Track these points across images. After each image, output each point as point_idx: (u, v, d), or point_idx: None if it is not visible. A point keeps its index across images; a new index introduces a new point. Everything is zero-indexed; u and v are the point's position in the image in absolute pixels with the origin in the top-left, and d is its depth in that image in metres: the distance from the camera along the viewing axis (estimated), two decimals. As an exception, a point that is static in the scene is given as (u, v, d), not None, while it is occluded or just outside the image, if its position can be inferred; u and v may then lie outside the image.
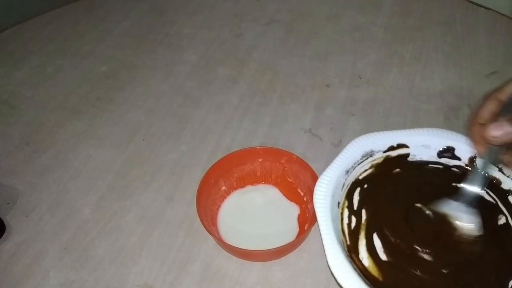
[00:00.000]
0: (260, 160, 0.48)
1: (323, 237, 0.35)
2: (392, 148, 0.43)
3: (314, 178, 0.42)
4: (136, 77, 0.65)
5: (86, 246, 0.45)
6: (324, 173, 0.39)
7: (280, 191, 0.48)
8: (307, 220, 0.44)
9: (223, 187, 0.47)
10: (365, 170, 0.43)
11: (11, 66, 0.67)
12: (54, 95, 0.62)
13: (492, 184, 0.42)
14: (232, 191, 0.48)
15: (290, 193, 0.47)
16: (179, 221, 0.47)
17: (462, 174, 0.43)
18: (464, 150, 0.43)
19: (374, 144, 0.42)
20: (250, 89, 0.62)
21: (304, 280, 0.42)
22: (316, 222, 0.38)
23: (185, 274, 0.43)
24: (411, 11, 0.74)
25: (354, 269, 0.34)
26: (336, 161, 0.40)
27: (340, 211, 0.40)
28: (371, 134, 0.43)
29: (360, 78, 0.63)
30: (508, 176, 0.41)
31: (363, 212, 0.41)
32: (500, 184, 0.42)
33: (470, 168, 0.43)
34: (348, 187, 0.41)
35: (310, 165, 0.45)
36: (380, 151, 0.43)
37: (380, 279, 0.36)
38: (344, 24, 0.73)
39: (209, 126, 0.57)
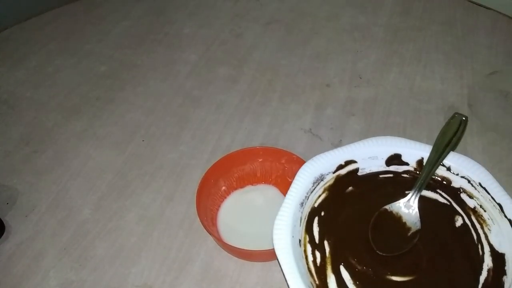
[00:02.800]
0: (260, 160, 0.48)
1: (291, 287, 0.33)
2: (341, 167, 0.42)
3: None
4: (136, 77, 0.65)
5: (85, 246, 0.45)
6: (279, 213, 0.38)
7: (280, 191, 0.48)
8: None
9: (223, 187, 0.47)
10: (319, 196, 0.41)
11: (11, 66, 0.67)
12: (53, 95, 0.62)
13: (442, 185, 0.42)
14: (232, 191, 0.48)
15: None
16: (179, 221, 0.47)
17: (412, 178, 0.43)
18: (410, 154, 0.43)
19: (322, 167, 0.41)
20: (250, 89, 0.62)
21: (304, 280, 0.42)
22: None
23: (185, 275, 0.43)
24: (412, 11, 0.74)
25: None
26: (288, 197, 0.39)
27: (303, 248, 0.38)
28: (316, 157, 0.41)
29: (360, 78, 0.63)
30: (456, 174, 0.41)
31: (326, 244, 0.40)
32: (451, 183, 0.42)
33: (419, 172, 0.43)
34: (306, 219, 0.40)
35: (310, 165, 0.45)
36: (329, 172, 0.42)
37: None
38: (344, 23, 0.73)
39: (209, 126, 0.57)
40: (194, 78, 0.64)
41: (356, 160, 0.43)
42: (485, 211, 0.39)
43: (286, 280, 0.33)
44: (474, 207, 0.40)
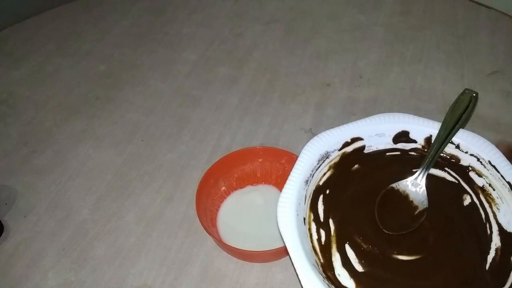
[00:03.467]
0: (260, 160, 0.48)
1: (295, 265, 0.33)
2: (346, 144, 0.41)
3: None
4: (135, 76, 0.65)
5: (84, 247, 0.45)
6: (283, 191, 0.37)
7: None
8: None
9: (223, 188, 0.47)
10: (324, 174, 0.41)
11: (10, 66, 0.67)
12: (52, 94, 0.62)
13: (450, 163, 0.41)
14: (232, 191, 0.48)
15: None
16: (179, 222, 0.47)
17: (420, 156, 0.42)
18: (418, 131, 0.41)
19: (328, 144, 0.40)
20: (250, 89, 0.62)
21: (304, 281, 0.42)
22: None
23: (184, 275, 0.42)
24: (412, 10, 0.74)
25: None
26: (293, 174, 0.38)
27: (308, 226, 0.38)
28: (322, 134, 0.41)
29: (360, 77, 0.62)
30: (466, 152, 0.40)
31: (331, 222, 0.39)
32: (459, 162, 0.41)
33: (427, 149, 0.42)
34: (311, 197, 0.39)
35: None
36: (335, 150, 0.41)
37: None
38: (344, 23, 0.72)
39: (209, 126, 0.57)
40: (194, 78, 0.64)
41: (363, 137, 0.42)
42: (494, 189, 0.38)
43: (290, 258, 0.33)
44: (483, 186, 0.39)
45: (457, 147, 0.41)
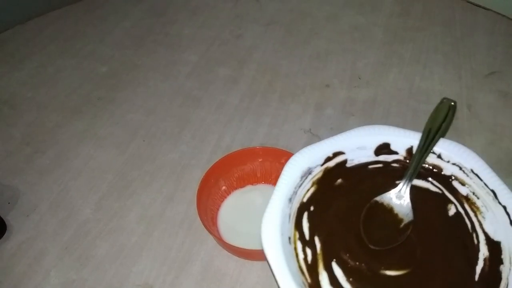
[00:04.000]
0: (260, 160, 0.48)
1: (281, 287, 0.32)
2: (329, 159, 0.41)
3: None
4: (136, 77, 0.65)
5: (86, 246, 0.45)
6: (266, 211, 0.36)
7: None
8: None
9: (223, 187, 0.48)
10: (307, 190, 0.40)
11: (12, 67, 0.68)
12: (54, 95, 0.63)
13: (433, 173, 0.41)
14: (232, 191, 0.48)
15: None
16: (179, 221, 0.47)
17: (402, 168, 0.41)
18: (399, 142, 0.41)
19: (310, 160, 0.40)
20: (250, 89, 0.62)
21: (304, 279, 0.42)
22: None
23: (185, 274, 0.43)
24: (411, 12, 0.74)
25: None
26: (276, 193, 0.37)
27: (293, 246, 0.37)
28: (303, 150, 0.40)
29: (359, 78, 0.63)
30: (448, 161, 0.40)
31: (316, 240, 0.38)
32: (442, 171, 0.41)
33: (408, 160, 0.41)
34: (295, 215, 0.38)
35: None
36: (317, 165, 0.40)
37: None
38: (344, 24, 0.73)
39: (209, 126, 0.57)
40: (195, 79, 0.64)
41: (344, 151, 0.41)
42: (478, 198, 0.38)
43: (276, 281, 0.32)
44: (467, 195, 0.39)
45: (439, 156, 0.40)
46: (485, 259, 0.36)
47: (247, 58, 0.67)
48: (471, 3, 0.75)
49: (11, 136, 0.57)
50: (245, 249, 0.41)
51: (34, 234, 0.47)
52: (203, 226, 0.42)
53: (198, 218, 0.42)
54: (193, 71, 0.65)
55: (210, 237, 0.45)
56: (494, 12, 0.73)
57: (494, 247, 0.36)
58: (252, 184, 0.49)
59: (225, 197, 0.48)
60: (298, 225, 0.38)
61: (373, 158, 0.42)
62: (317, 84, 0.63)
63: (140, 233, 0.46)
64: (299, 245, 0.38)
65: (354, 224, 0.39)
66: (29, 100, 0.62)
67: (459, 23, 0.71)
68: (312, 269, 0.37)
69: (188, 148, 0.55)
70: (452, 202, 0.40)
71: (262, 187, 0.49)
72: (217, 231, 0.45)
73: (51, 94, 0.63)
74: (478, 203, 0.38)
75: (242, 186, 0.49)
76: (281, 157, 0.47)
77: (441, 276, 0.36)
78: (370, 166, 0.42)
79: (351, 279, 0.36)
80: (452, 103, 0.41)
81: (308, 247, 0.38)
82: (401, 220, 0.38)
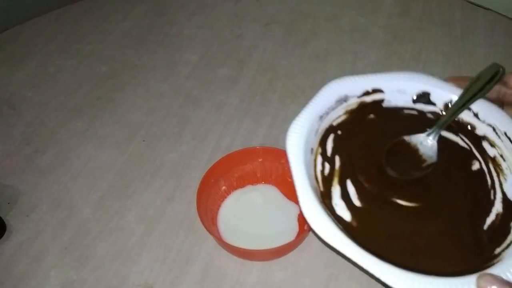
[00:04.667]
0: (260, 160, 0.48)
1: (296, 183, 0.34)
2: (367, 93, 0.41)
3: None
4: (136, 77, 0.65)
5: (86, 246, 0.45)
6: (297, 118, 0.38)
7: (280, 191, 0.48)
8: (307, 219, 0.44)
9: (223, 187, 0.48)
10: (339, 116, 0.41)
11: (12, 67, 0.68)
12: (55, 95, 0.63)
13: (466, 130, 0.41)
14: (232, 191, 0.48)
15: (290, 193, 0.47)
16: (179, 221, 0.47)
17: (436, 119, 0.41)
18: (440, 95, 0.41)
19: (348, 89, 0.40)
20: (250, 90, 0.62)
21: (304, 279, 0.42)
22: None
23: (185, 274, 0.43)
24: (411, 12, 0.74)
25: (328, 214, 0.33)
26: (309, 106, 0.38)
27: (314, 157, 0.38)
28: (345, 78, 0.41)
29: (359, 78, 0.63)
30: (483, 122, 0.40)
31: (337, 158, 0.39)
32: (475, 130, 0.41)
33: (445, 114, 0.42)
34: (322, 133, 0.40)
35: (310, 165, 0.45)
36: (354, 96, 0.41)
37: (354, 224, 0.35)
38: (343, 24, 0.73)
39: (209, 126, 0.57)
40: (195, 79, 0.64)
41: (384, 90, 0.42)
42: (504, 160, 0.38)
43: (292, 175, 0.33)
44: (494, 156, 0.39)
45: (475, 115, 0.40)
46: (497, 214, 0.36)
47: (247, 58, 0.67)
48: (470, 2, 0.75)
49: (11, 136, 0.57)
50: (245, 249, 0.41)
51: (34, 234, 0.47)
52: (203, 226, 0.42)
53: (198, 218, 0.42)
54: (193, 71, 0.66)
55: (210, 237, 0.45)
56: (494, 11, 0.73)
57: (509, 206, 0.37)
58: (252, 184, 0.49)
59: (225, 197, 0.48)
60: (323, 143, 0.39)
61: (410, 104, 0.42)
62: (317, 84, 0.62)
63: (140, 233, 0.46)
64: (319, 159, 0.39)
65: (377, 154, 0.39)
66: (29, 100, 0.62)
67: (459, 23, 0.71)
68: (327, 181, 0.38)
69: (188, 148, 0.55)
70: (477, 159, 0.40)
71: (262, 187, 0.49)
72: (217, 231, 0.45)
73: (51, 94, 0.63)
74: (503, 165, 0.39)
75: (242, 186, 0.49)
76: (281, 157, 0.47)
77: (450, 217, 0.36)
78: (406, 111, 0.43)
79: (361, 197, 0.37)
80: (501, 69, 0.41)
81: (328, 162, 0.39)
82: (423, 161, 0.39)
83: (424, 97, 0.42)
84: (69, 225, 0.47)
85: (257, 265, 0.43)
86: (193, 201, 0.43)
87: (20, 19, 0.76)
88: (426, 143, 0.39)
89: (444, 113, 0.42)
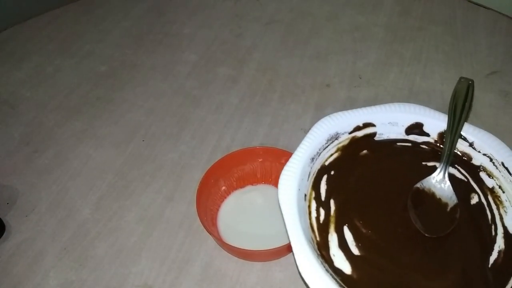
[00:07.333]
0: (260, 160, 0.48)
1: (291, 239, 0.32)
2: (358, 128, 0.41)
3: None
4: (136, 77, 0.65)
5: (85, 246, 0.45)
6: (288, 164, 0.36)
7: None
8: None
9: (223, 187, 0.47)
10: (331, 155, 0.40)
11: (11, 66, 0.67)
12: (54, 95, 0.62)
13: (462, 160, 0.40)
14: (232, 191, 0.48)
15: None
16: (179, 221, 0.47)
17: (432, 151, 0.41)
18: (433, 125, 0.41)
19: (339, 126, 0.40)
20: (250, 89, 0.62)
21: (304, 280, 0.42)
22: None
23: (185, 274, 0.43)
24: (411, 11, 0.74)
25: (326, 270, 0.32)
26: (300, 149, 0.37)
27: (308, 203, 0.37)
28: (334, 114, 0.40)
29: (360, 78, 0.63)
30: (479, 151, 0.39)
31: (332, 202, 0.38)
32: (471, 160, 0.40)
33: (439, 144, 0.41)
34: (314, 175, 0.38)
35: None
36: (345, 132, 0.40)
37: (354, 276, 0.34)
38: (344, 24, 0.73)
39: (209, 126, 0.57)
40: (194, 78, 0.64)
41: (375, 124, 0.41)
42: (503, 192, 0.38)
43: (286, 231, 0.32)
44: (493, 187, 0.39)
45: (471, 145, 0.40)
46: (499, 251, 0.36)
47: (247, 57, 0.67)
48: (471, 2, 0.75)
49: (10, 135, 0.57)
50: (245, 249, 0.41)
51: (33, 235, 0.46)
52: (202, 226, 0.42)
53: (198, 219, 0.42)
54: (193, 71, 0.65)
55: (210, 237, 0.44)
56: (495, 11, 0.72)
57: (511, 241, 0.36)
58: (252, 184, 0.49)
59: (225, 197, 0.47)
60: (316, 186, 0.38)
61: (403, 136, 0.42)
62: (317, 83, 0.62)
63: (139, 233, 0.46)
64: (313, 204, 0.37)
65: (373, 193, 0.38)
66: (28, 100, 0.62)
67: (460, 22, 0.71)
68: (323, 229, 0.36)
69: (188, 148, 0.54)
70: (476, 192, 0.39)
71: (262, 187, 0.49)
72: (217, 231, 0.45)
73: (50, 94, 0.62)
74: (503, 197, 0.38)
75: (242, 186, 0.48)
76: (281, 157, 0.47)
77: (454, 258, 0.35)
78: (399, 144, 0.42)
79: (360, 244, 0.36)
80: (470, 82, 0.40)
81: (322, 207, 0.38)
82: (445, 204, 0.38)
83: (417, 128, 0.41)
84: (68, 226, 0.47)
85: (257, 266, 0.43)
86: (192, 202, 0.43)
87: (19, 19, 0.76)
88: (439, 184, 0.38)
89: (438, 143, 0.41)
